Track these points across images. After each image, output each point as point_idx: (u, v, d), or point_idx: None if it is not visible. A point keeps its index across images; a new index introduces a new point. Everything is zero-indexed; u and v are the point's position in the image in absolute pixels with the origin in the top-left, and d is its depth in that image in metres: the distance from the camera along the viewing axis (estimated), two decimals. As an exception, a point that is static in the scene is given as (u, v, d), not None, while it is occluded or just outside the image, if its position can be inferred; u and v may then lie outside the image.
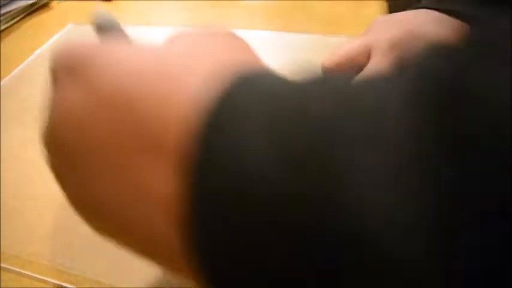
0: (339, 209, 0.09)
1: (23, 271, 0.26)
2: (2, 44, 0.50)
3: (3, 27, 0.52)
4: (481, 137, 0.08)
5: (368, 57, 0.33)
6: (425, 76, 0.10)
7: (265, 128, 0.11)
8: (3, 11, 0.52)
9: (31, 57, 0.46)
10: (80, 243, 0.27)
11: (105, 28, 0.20)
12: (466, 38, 0.10)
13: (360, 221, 0.09)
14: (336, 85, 0.11)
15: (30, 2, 0.54)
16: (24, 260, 0.26)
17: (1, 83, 0.42)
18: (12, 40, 0.51)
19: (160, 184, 0.12)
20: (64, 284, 0.25)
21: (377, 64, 0.32)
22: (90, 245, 0.27)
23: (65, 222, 0.28)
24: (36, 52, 0.47)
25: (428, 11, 0.34)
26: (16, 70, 0.44)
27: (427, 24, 0.32)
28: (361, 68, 0.33)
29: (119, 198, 0.13)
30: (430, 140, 0.09)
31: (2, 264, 0.26)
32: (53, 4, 0.56)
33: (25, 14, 0.55)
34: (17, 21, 0.54)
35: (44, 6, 0.55)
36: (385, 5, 0.50)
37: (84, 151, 0.13)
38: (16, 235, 0.28)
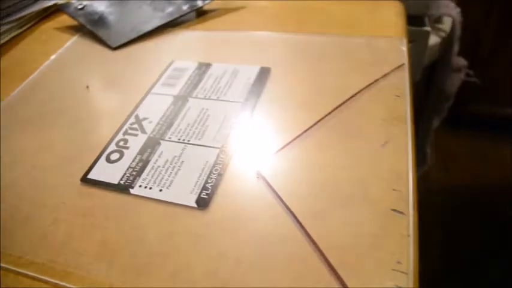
0: None
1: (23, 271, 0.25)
2: (16, 49, 0.50)
3: (16, 32, 0.52)
4: None
5: None
6: None
7: None
8: (17, 16, 0.52)
9: (46, 63, 0.46)
10: (93, 251, 0.26)
11: None
12: None
13: None
14: None
15: (44, 6, 0.54)
16: (25, 259, 0.26)
17: (16, 88, 0.42)
18: (26, 45, 0.51)
19: None
20: (65, 284, 0.25)
21: None
22: (103, 252, 0.26)
23: (78, 230, 0.28)
24: (52, 57, 0.47)
25: None
26: (31, 76, 0.44)
27: None
28: None
29: None
30: None
31: (2, 264, 0.26)
32: (67, 9, 0.56)
33: (38, 19, 0.55)
34: (30, 26, 0.54)
35: (58, 10, 0.55)
36: (402, 6, 0.49)
37: None
38: (30, 241, 0.27)
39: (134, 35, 0.48)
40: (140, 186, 0.30)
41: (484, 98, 1.11)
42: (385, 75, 0.38)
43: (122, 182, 0.30)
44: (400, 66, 0.39)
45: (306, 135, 0.33)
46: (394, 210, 0.27)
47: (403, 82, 0.38)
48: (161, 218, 0.28)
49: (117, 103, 0.39)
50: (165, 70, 0.42)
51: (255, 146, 0.32)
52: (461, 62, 0.72)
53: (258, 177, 0.30)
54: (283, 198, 0.28)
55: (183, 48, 0.46)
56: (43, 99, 0.41)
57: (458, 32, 0.67)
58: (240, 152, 0.32)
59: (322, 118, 0.34)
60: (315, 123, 0.34)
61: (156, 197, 0.29)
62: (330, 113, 0.35)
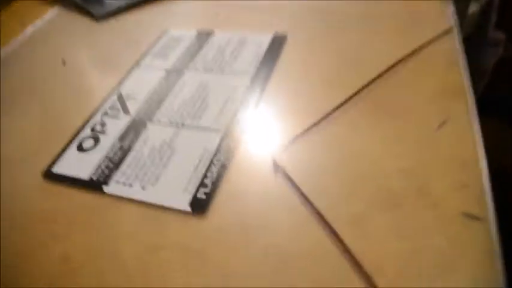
0: None
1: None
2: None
3: None
4: None
5: None
6: None
7: None
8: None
9: (20, 37, 0.39)
10: (50, 270, 0.19)
11: None
12: None
13: None
14: None
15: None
16: None
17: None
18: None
19: None
20: None
21: None
22: (63, 271, 0.19)
23: (34, 241, 0.21)
24: (27, 30, 0.40)
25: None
26: (1, 52, 0.37)
27: None
28: None
29: None
30: None
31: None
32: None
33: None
34: None
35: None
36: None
37: None
38: None
39: (123, 4, 0.40)
40: (117, 182, 0.23)
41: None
42: (430, 42, 0.30)
43: (94, 178, 0.23)
44: (448, 30, 0.31)
45: (335, 116, 0.25)
46: (466, 214, 0.19)
47: (454, 49, 0.30)
48: (142, 226, 0.20)
49: (98, 80, 0.32)
50: (158, 40, 0.34)
51: (270, 130, 0.25)
52: (498, 35, 0.64)
53: (275, 170, 0.22)
54: (310, 198, 0.20)
55: (181, 18, 0.38)
56: (12, 79, 0.33)
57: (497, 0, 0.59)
58: (251, 138, 0.24)
59: (355, 94, 0.27)
60: (346, 101, 0.26)
61: (137, 198, 0.22)
62: (364, 88, 0.27)
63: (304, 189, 0.21)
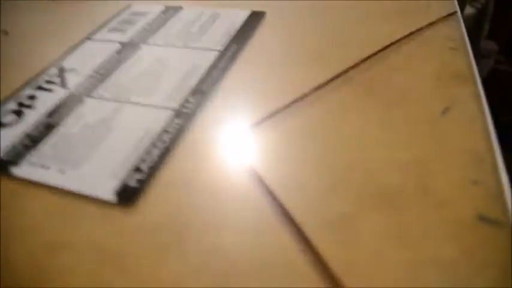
0: None
1: None
2: None
3: None
4: None
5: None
6: None
7: None
8: None
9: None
10: None
11: None
12: None
13: None
14: None
15: None
16: None
17: None
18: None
19: None
20: None
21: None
22: None
23: None
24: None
25: None
26: None
27: None
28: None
29: None
30: None
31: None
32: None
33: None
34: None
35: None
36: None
37: None
38: None
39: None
40: (31, 164, 0.17)
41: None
42: (431, 24, 0.26)
43: (3, 157, 0.18)
44: (452, 14, 0.27)
45: (314, 98, 0.21)
46: (481, 217, 0.14)
47: (458, 33, 0.25)
48: (51, 219, 0.15)
49: (40, 53, 0.27)
50: (118, 14, 0.30)
51: (232, 112, 0.20)
52: (490, 46, 0.60)
53: (234, 155, 0.17)
54: (278, 196, 0.15)
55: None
56: None
57: (491, 8, 0.56)
58: (207, 119, 0.20)
59: (340, 74, 0.22)
60: (328, 82, 0.22)
61: (51, 182, 0.17)
62: (351, 68, 0.22)
63: (271, 182, 0.16)
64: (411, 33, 0.25)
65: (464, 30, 0.26)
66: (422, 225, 0.14)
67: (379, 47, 0.24)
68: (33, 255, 0.14)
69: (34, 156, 0.18)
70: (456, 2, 0.29)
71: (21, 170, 0.17)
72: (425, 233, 0.14)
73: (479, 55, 0.62)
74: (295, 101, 0.20)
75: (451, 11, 0.27)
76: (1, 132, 0.19)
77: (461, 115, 0.19)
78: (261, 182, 0.16)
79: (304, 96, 0.20)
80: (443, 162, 0.16)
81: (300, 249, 0.14)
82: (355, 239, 0.14)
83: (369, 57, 0.23)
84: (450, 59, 0.23)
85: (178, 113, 0.19)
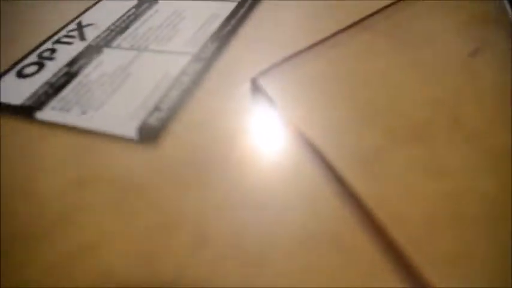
0: None
1: None
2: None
3: None
4: None
5: None
6: None
7: None
8: None
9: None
10: None
11: None
12: None
13: None
14: None
15: None
16: None
17: None
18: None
19: None
20: None
21: None
22: None
23: None
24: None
25: None
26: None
27: None
28: None
29: None
30: None
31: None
32: None
33: None
34: None
35: None
36: None
37: None
38: None
39: None
40: (54, 108, 0.18)
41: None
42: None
43: (27, 103, 0.18)
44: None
45: (339, 41, 0.20)
46: None
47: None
48: (73, 157, 0.16)
49: (61, 10, 0.27)
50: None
51: (255, 55, 0.20)
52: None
53: (253, 93, 0.17)
54: (303, 132, 0.15)
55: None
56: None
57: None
58: (231, 61, 0.19)
59: (361, 21, 0.21)
60: (353, 25, 0.21)
61: (73, 123, 0.17)
62: (370, 16, 0.22)
63: (294, 121, 0.16)
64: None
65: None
66: (456, 157, 0.14)
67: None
68: (62, 191, 0.14)
69: (56, 101, 0.18)
70: None
71: (45, 114, 0.17)
72: (460, 165, 0.13)
73: None
74: (321, 41, 0.20)
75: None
76: (25, 82, 0.20)
77: (492, 56, 0.18)
78: (284, 120, 0.16)
79: (329, 38, 0.20)
80: (474, 100, 0.16)
81: (326, 182, 0.13)
82: (389, 172, 0.13)
83: (386, 7, 0.22)
84: (476, 5, 0.22)
85: (197, 58, 0.19)
